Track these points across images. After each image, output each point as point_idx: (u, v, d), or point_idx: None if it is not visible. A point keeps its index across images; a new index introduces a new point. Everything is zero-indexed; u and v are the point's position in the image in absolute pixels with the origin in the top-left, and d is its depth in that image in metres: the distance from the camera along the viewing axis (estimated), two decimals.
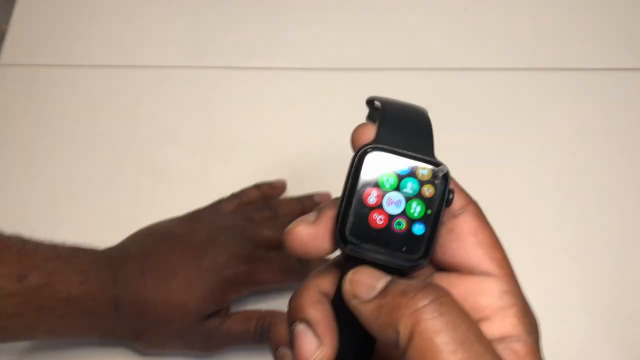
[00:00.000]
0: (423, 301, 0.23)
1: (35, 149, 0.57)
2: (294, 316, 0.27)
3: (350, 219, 0.26)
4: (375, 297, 0.25)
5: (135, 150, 0.57)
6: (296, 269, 0.48)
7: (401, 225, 0.27)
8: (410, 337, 0.23)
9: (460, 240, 0.27)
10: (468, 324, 0.23)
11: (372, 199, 0.27)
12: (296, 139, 0.57)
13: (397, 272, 0.26)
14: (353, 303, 0.25)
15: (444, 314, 0.23)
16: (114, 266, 0.44)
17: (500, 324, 0.26)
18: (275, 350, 0.29)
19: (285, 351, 0.28)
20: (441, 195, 0.27)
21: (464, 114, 0.58)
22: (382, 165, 0.27)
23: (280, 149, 0.57)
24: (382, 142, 0.27)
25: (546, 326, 0.48)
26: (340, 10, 0.64)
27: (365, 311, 0.25)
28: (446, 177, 0.27)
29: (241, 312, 0.47)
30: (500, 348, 0.25)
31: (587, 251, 0.52)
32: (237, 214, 0.50)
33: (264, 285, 0.48)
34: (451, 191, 0.27)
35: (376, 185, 0.27)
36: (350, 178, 0.27)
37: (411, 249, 0.27)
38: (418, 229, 0.27)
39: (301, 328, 0.26)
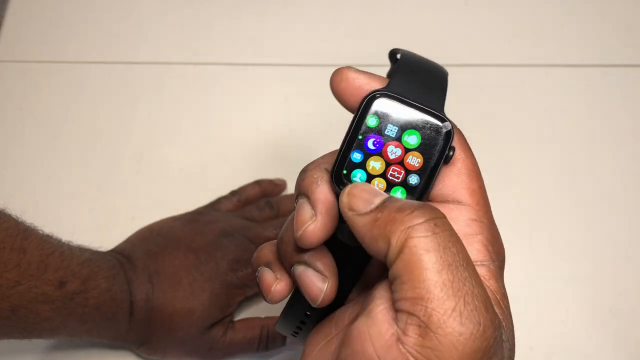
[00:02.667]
0: (418, 219, 0.24)
1: (31, 147, 0.57)
2: (294, 259, 0.28)
3: (348, 161, 0.27)
4: (371, 211, 0.25)
5: (133, 147, 0.56)
6: None
7: (397, 174, 0.27)
8: (400, 251, 0.23)
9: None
10: (458, 247, 0.24)
11: (372, 145, 0.27)
12: (296, 137, 0.57)
13: None
14: (348, 214, 0.26)
15: (436, 234, 0.23)
16: (127, 271, 0.44)
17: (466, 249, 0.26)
18: (255, 272, 0.30)
19: (263, 269, 0.30)
20: (440, 150, 0.27)
21: (462, 110, 0.58)
22: (387, 113, 0.27)
23: (280, 148, 0.56)
24: (392, 90, 0.27)
25: (546, 326, 0.48)
26: (341, 6, 0.64)
27: (360, 222, 0.25)
28: (448, 134, 0.27)
29: (244, 320, 0.47)
30: None
31: (587, 251, 0.52)
32: (238, 214, 0.50)
33: None
34: (452, 148, 0.27)
35: (378, 132, 0.27)
36: (354, 121, 0.27)
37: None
38: (413, 180, 0.27)
39: (301, 269, 0.28)
